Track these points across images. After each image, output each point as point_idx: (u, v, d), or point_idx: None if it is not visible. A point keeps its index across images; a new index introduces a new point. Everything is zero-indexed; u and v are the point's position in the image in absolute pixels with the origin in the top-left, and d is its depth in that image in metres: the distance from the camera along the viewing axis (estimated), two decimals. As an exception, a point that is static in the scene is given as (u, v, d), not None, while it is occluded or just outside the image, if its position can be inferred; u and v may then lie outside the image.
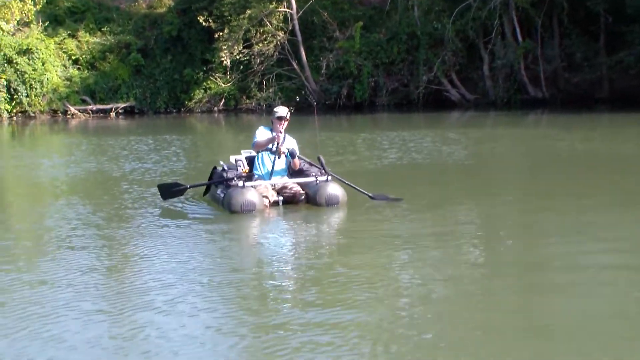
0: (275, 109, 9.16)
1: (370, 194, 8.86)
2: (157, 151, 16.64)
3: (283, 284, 5.72)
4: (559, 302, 5.09)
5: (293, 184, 8.85)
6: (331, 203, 8.52)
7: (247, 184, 8.52)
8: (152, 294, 5.47)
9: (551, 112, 25.58)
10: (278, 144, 8.85)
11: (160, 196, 9.23)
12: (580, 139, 16.39)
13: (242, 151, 9.82)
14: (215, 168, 9.47)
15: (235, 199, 8.25)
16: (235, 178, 8.54)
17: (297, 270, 6.11)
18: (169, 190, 9.18)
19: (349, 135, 17.55)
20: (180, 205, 9.17)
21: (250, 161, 9.32)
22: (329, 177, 8.76)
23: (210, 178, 9.44)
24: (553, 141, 16.53)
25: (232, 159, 9.60)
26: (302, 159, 9.26)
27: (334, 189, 8.62)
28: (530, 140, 17.20)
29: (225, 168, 9.15)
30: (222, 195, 8.61)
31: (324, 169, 8.84)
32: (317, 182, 8.70)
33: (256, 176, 9.00)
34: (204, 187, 9.45)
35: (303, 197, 8.78)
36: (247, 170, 8.99)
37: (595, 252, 6.41)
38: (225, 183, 8.72)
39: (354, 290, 5.35)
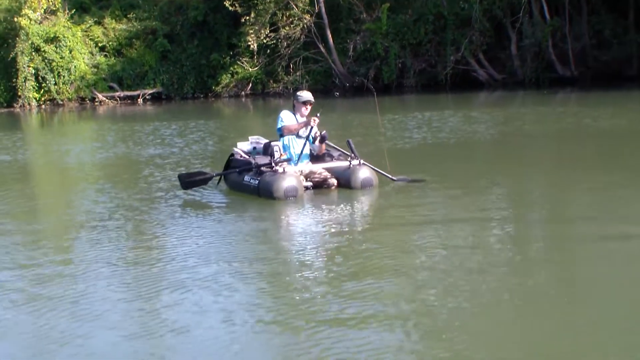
0: (298, 93, 9.24)
1: (393, 177, 9.02)
2: (183, 136, 17.11)
3: (329, 268, 5.71)
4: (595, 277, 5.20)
5: (321, 169, 8.90)
6: (366, 186, 8.66)
7: (285, 169, 8.47)
8: (190, 275, 5.63)
9: (580, 90, 25.84)
10: (311, 129, 8.87)
11: (180, 186, 9.12)
12: (608, 117, 16.75)
13: (250, 138, 9.81)
14: (232, 155, 9.40)
15: (278, 185, 8.21)
16: (273, 164, 8.47)
17: (341, 254, 6.07)
18: (191, 180, 9.04)
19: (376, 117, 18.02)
20: (203, 193, 9.15)
21: (265, 148, 9.20)
22: (361, 161, 8.85)
23: (227, 165, 9.33)
24: (580, 119, 16.92)
25: (240, 145, 9.63)
26: (328, 144, 9.32)
27: (368, 173, 8.76)
28: (558, 118, 17.59)
29: (245, 155, 9.18)
30: (254, 182, 8.53)
31: (353, 152, 8.87)
32: (351, 166, 8.79)
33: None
34: (218, 176, 9.35)
35: (333, 181, 8.85)
36: (285, 154, 8.85)
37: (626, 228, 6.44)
38: (257, 169, 8.63)
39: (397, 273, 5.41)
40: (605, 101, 21.18)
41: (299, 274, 5.57)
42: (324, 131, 9.03)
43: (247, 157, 9.13)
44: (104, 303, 5.03)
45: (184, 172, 10.04)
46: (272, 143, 9.06)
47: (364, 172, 8.75)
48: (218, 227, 7.42)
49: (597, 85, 25.83)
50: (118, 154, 14.49)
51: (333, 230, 7.03)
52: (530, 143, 13.71)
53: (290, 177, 8.35)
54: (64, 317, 4.82)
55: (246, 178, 8.71)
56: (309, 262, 5.95)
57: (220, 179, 9.37)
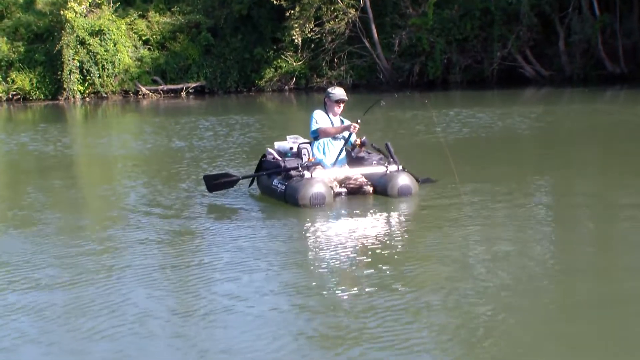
0: (330, 90, 8.79)
1: (418, 179, 8.62)
2: (224, 131, 17.54)
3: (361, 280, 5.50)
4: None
5: (358, 175, 8.42)
6: (404, 194, 8.16)
7: (314, 174, 8.06)
8: (220, 278, 5.66)
9: (630, 87, 26.09)
10: (350, 135, 8.53)
11: (206, 189, 8.83)
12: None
13: (288, 137, 9.41)
14: (264, 156, 9.02)
15: (304, 192, 7.80)
16: (300, 168, 8.10)
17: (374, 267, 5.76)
18: (217, 182, 8.75)
19: (422, 113, 18.53)
20: (234, 194, 8.94)
21: (299, 150, 8.75)
22: (400, 167, 8.40)
23: (259, 167, 8.98)
24: (629, 117, 17.48)
25: (277, 145, 9.22)
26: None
27: (407, 179, 8.27)
28: (606, 116, 18.11)
29: (277, 156, 8.78)
30: (281, 187, 8.14)
31: (392, 157, 8.44)
32: (388, 171, 8.34)
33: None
34: (245, 178, 9.05)
35: (369, 188, 8.38)
36: (313, 159, 8.43)
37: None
38: (285, 173, 8.23)
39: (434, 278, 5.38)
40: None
41: (328, 285, 5.44)
42: (364, 137, 8.67)
43: (279, 158, 8.68)
44: (134, 307, 5.04)
45: (209, 173, 9.86)
46: (302, 145, 8.69)
47: (403, 179, 8.23)
48: (245, 233, 7.07)
49: (647, 83, 26.15)
50: (157, 148, 15.00)
51: (363, 241, 6.64)
52: (576, 141, 14.14)
53: (318, 183, 7.91)
54: (97, 313, 4.95)
55: (274, 182, 8.33)
56: (335, 273, 5.74)
57: (252, 181, 9.08)
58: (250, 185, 9.16)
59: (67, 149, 16.14)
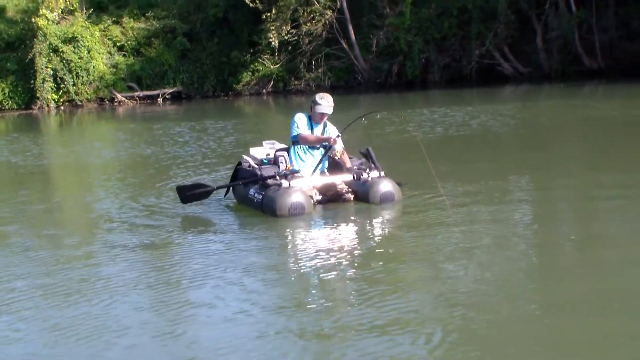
0: (318, 99, 8.51)
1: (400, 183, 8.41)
2: (202, 137, 17.57)
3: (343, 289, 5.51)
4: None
5: (338, 182, 8.26)
6: (386, 201, 8.01)
7: (292, 183, 7.85)
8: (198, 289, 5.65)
9: (607, 82, 26.50)
10: (330, 148, 8.37)
11: (180, 200, 8.58)
12: (635, 108, 17.50)
13: (264, 142, 9.25)
14: (240, 164, 8.82)
15: (282, 201, 7.59)
16: (277, 176, 7.90)
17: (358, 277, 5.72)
18: (190, 193, 8.50)
19: (401, 113, 18.65)
20: (207, 206, 8.71)
21: (276, 157, 8.61)
22: (382, 172, 8.22)
23: (234, 176, 8.78)
24: (607, 112, 17.72)
25: (252, 151, 9.02)
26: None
27: (389, 186, 8.10)
28: (585, 111, 18.34)
29: (254, 164, 8.59)
30: (258, 196, 7.95)
31: (374, 163, 8.27)
32: (370, 178, 8.17)
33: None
34: (220, 188, 8.80)
35: (350, 196, 8.21)
36: (290, 167, 8.21)
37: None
38: (262, 182, 8.03)
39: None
40: (633, 93, 21.80)
41: (306, 297, 5.37)
42: (342, 145, 8.53)
43: (255, 166, 8.50)
44: (108, 320, 5.02)
45: (182, 184, 9.46)
46: (278, 153, 8.51)
47: (385, 186, 8.06)
48: (222, 245, 6.95)
49: (625, 77, 26.34)
50: (131, 156, 15.00)
51: (343, 250, 6.56)
52: (555, 137, 14.32)
53: (296, 192, 7.71)
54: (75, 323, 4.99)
55: (251, 191, 8.13)
56: (313, 285, 5.66)
57: (228, 190, 8.84)
58: (225, 195, 8.93)
59: (38, 158, 16.07)
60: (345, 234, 7.31)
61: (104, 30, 35.31)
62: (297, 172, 8.10)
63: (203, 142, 16.42)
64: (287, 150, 8.66)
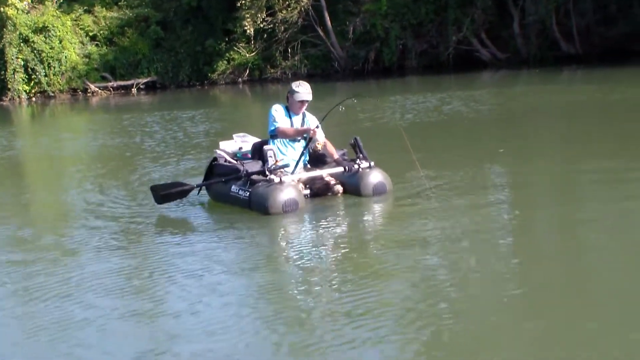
0: (295, 87, 8.13)
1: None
2: (176, 127, 17.40)
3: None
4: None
5: (324, 174, 7.96)
6: (378, 192, 7.76)
7: (283, 179, 7.47)
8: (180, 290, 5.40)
9: (585, 67, 26.54)
10: (310, 139, 7.94)
11: (154, 201, 8.09)
12: (612, 93, 17.54)
13: (235, 135, 8.90)
14: (215, 160, 8.33)
15: (275, 198, 7.24)
16: (267, 172, 7.50)
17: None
18: (166, 192, 8.02)
19: (381, 101, 18.57)
20: (180, 204, 8.23)
21: (255, 150, 8.27)
22: (372, 163, 7.92)
23: (209, 172, 8.29)
24: (584, 96, 17.78)
25: (222, 145, 8.65)
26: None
27: (380, 177, 7.83)
28: (562, 96, 18.37)
29: (231, 159, 8.26)
30: (244, 193, 7.57)
31: (362, 152, 7.94)
32: (360, 169, 7.87)
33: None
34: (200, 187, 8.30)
35: (339, 187, 7.93)
36: (279, 161, 7.75)
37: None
38: (248, 179, 7.65)
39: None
40: (610, 78, 21.85)
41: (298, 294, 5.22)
42: (323, 136, 8.10)
43: (233, 161, 8.17)
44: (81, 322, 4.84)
45: (157, 183, 8.84)
46: (265, 147, 7.92)
47: (376, 177, 7.80)
48: (205, 247, 6.57)
49: (603, 62, 26.49)
50: (103, 148, 14.84)
51: (341, 248, 6.37)
52: (533, 122, 14.37)
53: (289, 188, 7.38)
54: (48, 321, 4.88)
55: (234, 188, 7.72)
56: (305, 282, 5.46)
57: (200, 188, 8.31)
58: (198, 193, 8.35)
59: (6, 151, 15.83)
60: (337, 228, 7.07)
61: (75, 20, 35.01)
62: (287, 166, 7.71)
63: (175, 133, 16.29)
64: (266, 143, 8.15)
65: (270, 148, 7.86)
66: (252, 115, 20.83)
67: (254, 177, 7.61)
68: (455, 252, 5.80)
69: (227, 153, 8.47)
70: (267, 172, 7.50)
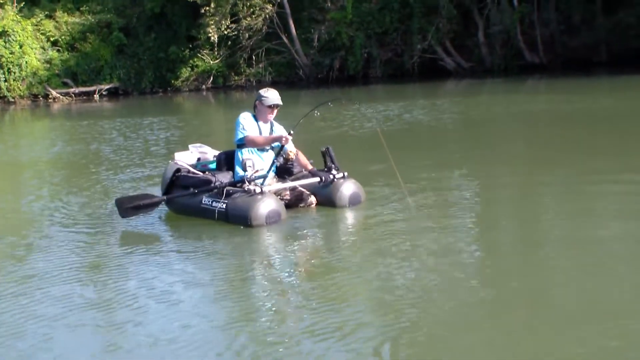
0: (263, 93, 7.79)
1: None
2: (137, 135, 17.07)
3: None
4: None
5: (295, 185, 7.70)
6: (354, 203, 7.57)
7: (264, 189, 7.19)
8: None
9: (549, 77, 26.79)
10: (282, 148, 7.57)
11: (119, 214, 7.58)
12: (574, 102, 17.61)
13: (191, 146, 8.51)
14: (179, 171, 7.90)
15: (258, 210, 6.95)
16: (246, 182, 7.22)
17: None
18: (132, 205, 7.55)
19: (343, 108, 18.51)
20: (142, 217, 7.73)
21: (223, 160, 7.94)
22: (345, 173, 7.72)
23: (171, 184, 7.86)
24: (548, 105, 17.85)
25: (177, 156, 8.24)
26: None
27: (355, 187, 7.65)
28: (525, 105, 18.42)
29: (195, 170, 7.89)
30: (219, 205, 7.22)
31: (333, 163, 7.73)
32: (335, 179, 7.64)
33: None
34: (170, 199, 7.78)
35: (313, 199, 7.70)
36: (259, 171, 7.46)
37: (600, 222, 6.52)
38: (220, 190, 7.31)
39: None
40: (573, 87, 22.02)
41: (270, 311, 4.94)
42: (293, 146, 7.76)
43: (199, 173, 7.82)
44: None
45: (122, 195, 8.30)
46: (244, 157, 7.60)
47: (351, 187, 7.62)
48: (175, 263, 6.13)
49: (566, 72, 26.81)
50: (62, 155, 14.48)
51: (309, 259, 6.13)
52: (495, 132, 14.33)
53: (270, 199, 7.12)
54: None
55: (206, 200, 7.38)
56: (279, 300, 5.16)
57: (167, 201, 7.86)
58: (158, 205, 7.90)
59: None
60: (316, 241, 6.74)
61: (36, 25, 34.66)
62: (265, 177, 7.37)
63: (134, 141, 15.97)
64: (231, 153, 7.84)
65: (249, 157, 7.55)
66: (214, 122, 20.66)
67: (229, 188, 7.30)
68: (422, 263, 5.66)
69: (190, 165, 8.06)
70: (246, 182, 7.21)
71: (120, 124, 19.98)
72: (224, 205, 7.18)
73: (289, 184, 7.66)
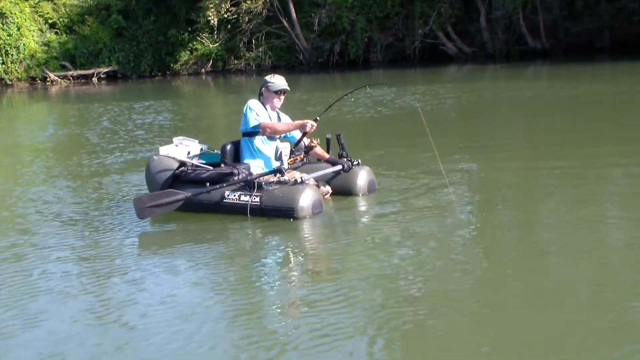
0: (269, 79, 7.40)
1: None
2: (137, 118, 16.93)
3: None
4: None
5: (308, 176, 7.20)
6: (372, 191, 7.46)
7: (303, 179, 6.89)
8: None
9: (551, 63, 26.65)
10: (304, 134, 7.24)
11: (136, 214, 6.92)
12: (574, 89, 17.54)
13: (175, 139, 7.82)
14: (184, 164, 7.37)
15: (304, 201, 6.63)
16: (279, 173, 6.91)
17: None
18: (154, 204, 6.91)
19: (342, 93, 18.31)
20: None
21: (229, 151, 7.37)
22: (360, 161, 7.58)
23: (174, 180, 7.28)
24: (549, 91, 17.75)
25: (162, 150, 7.53)
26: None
27: (371, 175, 7.55)
28: (526, 92, 18.33)
29: (198, 164, 7.35)
30: (252, 198, 6.76)
31: (344, 150, 7.54)
32: (352, 166, 7.47)
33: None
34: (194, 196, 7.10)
35: (327, 189, 7.40)
36: (292, 161, 7.30)
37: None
38: (254, 182, 6.85)
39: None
40: (576, 73, 21.89)
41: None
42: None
43: (210, 167, 7.28)
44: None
45: (142, 193, 7.49)
46: (279, 145, 7.31)
47: (367, 175, 7.48)
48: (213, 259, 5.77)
49: (568, 57, 26.66)
50: (66, 139, 14.42)
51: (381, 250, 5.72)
52: (499, 118, 14.24)
53: (311, 189, 6.77)
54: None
55: (230, 195, 6.88)
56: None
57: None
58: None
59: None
60: (348, 230, 6.49)
61: (34, 7, 34.50)
62: (300, 166, 7.19)
63: (134, 125, 15.79)
64: (236, 143, 7.40)
65: (286, 146, 7.30)
66: (216, 105, 20.49)
67: (261, 179, 6.88)
68: (423, 252, 5.48)
69: (187, 159, 7.56)
70: (283, 174, 6.87)
71: (123, 108, 19.85)
72: (257, 199, 6.75)
73: (317, 173, 7.30)
